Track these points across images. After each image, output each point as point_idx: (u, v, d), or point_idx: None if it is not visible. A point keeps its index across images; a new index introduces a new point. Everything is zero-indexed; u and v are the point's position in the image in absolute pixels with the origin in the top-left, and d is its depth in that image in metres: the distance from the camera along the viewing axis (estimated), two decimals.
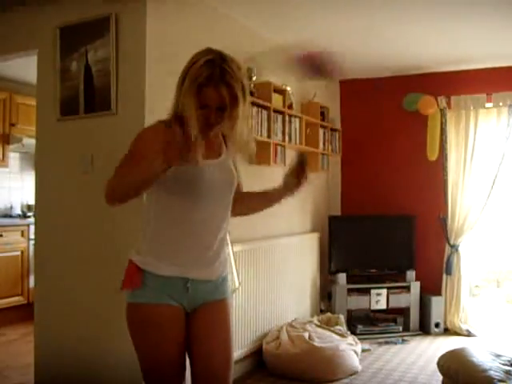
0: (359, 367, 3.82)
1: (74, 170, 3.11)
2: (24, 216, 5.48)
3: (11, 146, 5.32)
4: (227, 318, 1.88)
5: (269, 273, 4.01)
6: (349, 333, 4.19)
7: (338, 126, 5.43)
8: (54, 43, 3.15)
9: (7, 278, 4.86)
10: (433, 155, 5.08)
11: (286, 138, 4.12)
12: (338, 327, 4.19)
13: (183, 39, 3.12)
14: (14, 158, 5.55)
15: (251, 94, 3.68)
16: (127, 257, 1.86)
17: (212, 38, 3.27)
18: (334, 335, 3.96)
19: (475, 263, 5.13)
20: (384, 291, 4.80)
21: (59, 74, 3.13)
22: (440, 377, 3.08)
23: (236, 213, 1.97)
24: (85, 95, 3.05)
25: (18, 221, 5.27)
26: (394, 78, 5.31)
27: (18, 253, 5.00)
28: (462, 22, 3.76)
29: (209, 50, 1.72)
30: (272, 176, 4.17)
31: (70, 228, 3.14)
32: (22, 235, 5.06)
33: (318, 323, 4.22)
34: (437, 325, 4.84)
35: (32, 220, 4.86)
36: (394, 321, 4.87)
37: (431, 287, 5.00)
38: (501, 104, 4.85)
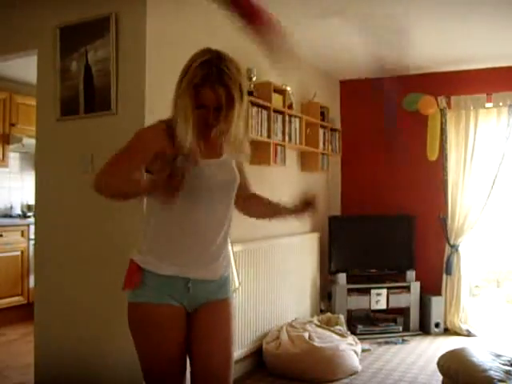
0: (359, 367, 3.82)
1: (74, 170, 3.11)
2: (24, 216, 5.48)
3: (11, 146, 5.32)
4: (229, 318, 1.88)
5: (269, 273, 4.01)
6: (349, 333, 4.19)
7: (338, 126, 5.44)
8: (54, 43, 3.15)
9: (7, 277, 4.86)
10: (433, 155, 5.08)
11: (286, 138, 4.12)
12: (338, 327, 4.19)
13: (183, 39, 3.12)
14: (13, 157, 5.55)
15: (251, 93, 3.68)
16: (127, 256, 1.86)
17: (212, 37, 3.27)
18: (333, 335, 3.96)
19: (475, 263, 5.13)
20: (384, 291, 4.80)
21: (59, 73, 3.13)
22: (440, 377, 3.08)
23: (240, 210, 2.02)
24: (85, 95, 3.05)
25: (18, 221, 5.27)
26: (393, 78, 5.31)
27: (18, 253, 5.00)
28: (462, 22, 3.76)
29: (207, 50, 1.72)
30: (272, 176, 4.19)
31: (69, 228, 3.14)
32: (22, 235, 5.06)
33: (318, 323, 4.22)
34: (437, 325, 4.84)
35: (32, 220, 4.86)
36: (394, 321, 4.87)
37: (431, 287, 5.00)
38: (501, 104, 4.85)
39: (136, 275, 1.76)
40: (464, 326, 4.85)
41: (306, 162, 4.78)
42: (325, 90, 5.25)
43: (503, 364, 2.83)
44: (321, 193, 5.22)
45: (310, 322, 4.19)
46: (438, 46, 4.36)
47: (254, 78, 3.76)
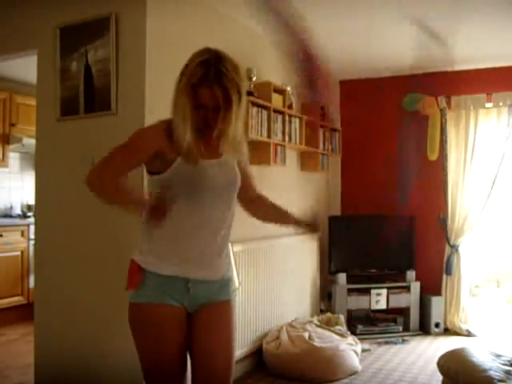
0: (359, 367, 3.82)
1: (74, 170, 3.10)
2: (24, 216, 5.48)
3: (11, 146, 5.32)
4: (230, 319, 1.87)
5: (269, 273, 4.01)
6: (349, 333, 4.19)
7: (338, 126, 5.43)
8: (54, 43, 3.15)
9: (7, 277, 4.86)
10: (433, 155, 5.08)
11: (286, 138, 4.12)
12: (338, 327, 4.19)
13: (183, 39, 3.12)
14: (14, 157, 5.55)
15: (251, 94, 3.67)
16: (128, 256, 1.86)
17: (212, 37, 3.27)
18: (333, 335, 3.96)
19: (475, 263, 5.13)
20: (384, 291, 4.80)
21: (59, 74, 3.13)
22: (440, 377, 3.08)
23: (246, 210, 2.03)
24: (85, 95, 3.05)
25: (18, 221, 5.27)
26: (394, 78, 5.32)
27: (18, 253, 5.00)
28: (462, 22, 3.76)
29: (206, 50, 1.71)
30: (272, 176, 4.19)
31: (70, 228, 3.14)
32: (22, 235, 5.06)
33: (318, 323, 4.22)
34: (437, 325, 4.84)
35: (32, 220, 4.87)
36: (394, 321, 4.87)
37: (431, 287, 5.00)
38: (501, 104, 4.85)
39: (137, 275, 1.76)
40: (464, 326, 4.85)
41: (306, 161, 4.78)
42: (324, 90, 5.24)
43: (503, 364, 2.83)
44: (321, 193, 5.22)
45: (310, 321, 4.19)
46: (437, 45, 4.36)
47: (254, 78, 3.76)
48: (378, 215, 5.18)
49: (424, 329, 4.86)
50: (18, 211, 5.62)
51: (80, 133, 3.11)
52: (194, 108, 1.68)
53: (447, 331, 4.89)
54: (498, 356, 2.96)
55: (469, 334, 4.78)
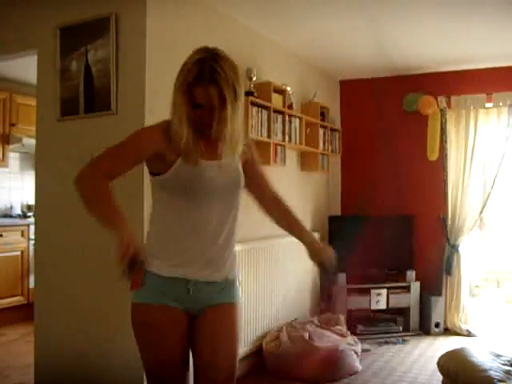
0: (359, 367, 3.82)
1: (74, 170, 3.09)
2: (24, 216, 5.48)
3: (11, 146, 5.32)
4: (234, 322, 1.83)
5: (269, 273, 4.02)
6: (349, 333, 4.19)
7: (338, 126, 5.44)
8: (54, 43, 3.15)
9: (7, 277, 4.86)
10: (433, 155, 5.08)
11: (286, 138, 4.12)
12: (338, 327, 4.19)
13: (183, 39, 3.12)
14: (14, 157, 5.55)
15: (251, 94, 3.68)
16: None
17: (212, 37, 3.27)
18: (334, 335, 3.96)
19: (475, 263, 5.13)
20: (384, 291, 4.80)
21: (59, 74, 3.13)
22: (440, 377, 3.07)
23: (262, 210, 2.01)
24: (85, 95, 3.05)
25: (18, 221, 5.27)
26: (393, 77, 5.32)
27: (18, 253, 5.00)
28: (462, 22, 3.76)
29: (203, 49, 1.70)
30: (272, 176, 4.18)
31: (70, 228, 3.14)
32: (22, 235, 5.06)
33: (318, 323, 4.22)
34: (437, 325, 4.84)
35: (32, 220, 4.87)
36: (394, 321, 4.87)
37: (431, 287, 5.00)
38: (501, 104, 4.85)
39: (138, 276, 1.75)
40: (464, 326, 4.85)
41: (306, 161, 4.78)
42: (325, 90, 5.25)
43: (503, 364, 2.83)
44: (321, 193, 5.22)
45: (310, 321, 4.19)
46: (437, 45, 4.36)
47: (254, 78, 3.76)
48: (378, 215, 5.18)
49: (424, 329, 4.86)
50: (18, 211, 5.62)
51: (80, 133, 3.11)
52: (190, 107, 1.67)
53: (447, 331, 4.89)
54: (498, 356, 2.95)
55: (469, 334, 4.78)
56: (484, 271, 5.32)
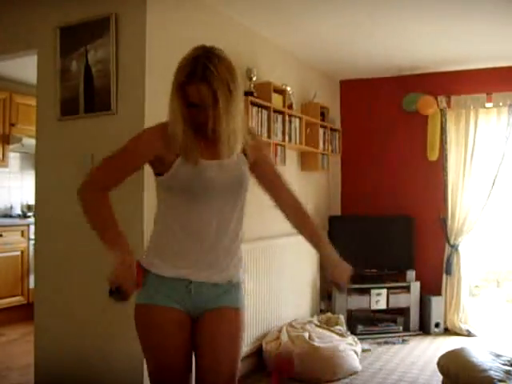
0: (359, 367, 3.82)
1: (74, 170, 3.10)
2: (24, 216, 5.48)
3: (11, 146, 5.32)
4: (234, 328, 1.79)
5: (269, 273, 4.01)
6: (349, 333, 4.19)
7: (338, 126, 5.44)
8: (54, 43, 3.15)
9: (7, 277, 4.86)
10: (433, 155, 5.08)
11: (286, 138, 4.12)
12: (338, 327, 4.19)
13: (183, 39, 3.12)
14: (14, 157, 5.55)
15: (251, 94, 3.68)
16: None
17: (212, 38, 3.25)
18: (333, 335, 3.96)
19: (475, 263, 5.13)
20: (384, 291, 4.80)
21: (59, 74, 3.13)
22: (440, 377, 3.07)
23: (280, 211, 1.95)
24: (85, 95, 3.05)
25: (17, 221, 5.27)
26: (393, 78, 5.32)
27: (18, 253, 5.00)
28: (462, 20, 3.75)
29: (199, 48, 1.68)
30: None
31: (69, 228, 3.14)
32: (22, 235, 5.06)
33: (318, 323, 4.22)
34: (437, 325, 4.84)
35: (32, 220, 4.87)
36: (394, 321, 4.87)
37: (431, 287, 5.01)
38: (501, 104, 4.85)
39: (140, 276, 1.74)
40: (464, 326, 4.85)
41: (306, 161, 4.78)
42: (325, 90, 5.25)
43: (503, 364, 2.83)
44: (321, 193, 5.22)
45: (310, 322, 4.19)
46: (438, 45, 4.36)
47: (254, 78, 3.76)
48: (378, 215, 5.18)
49: (424, 329, 4.86)
50: (18, 211, 5.62)
51: (80, 133, 3.11)
52: (185, 106, 1.65)
53: (447, 331, 4.89)
54: (498, 356, 2.95)
55: (469, 334, 4.78)
56: (484, 271, 5.32)
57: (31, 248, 4.95)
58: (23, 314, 4.78)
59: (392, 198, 5.25)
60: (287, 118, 4.14)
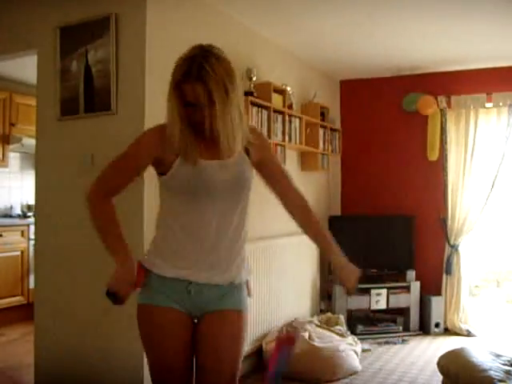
0: (359, 367, 3.82)
1: (74, 170, 3.11)
2: (24, 216, 5.48)
3: (11, 146, 5.32)
4: (234, 331, 1.77)
5: (269, 273, 4.01)
6: (349, 333, 4.19)
7: (338, 126, 5.44)
8: (54, 43, 3.15)
9: (7, 278, 4.86)
10: (433, 155, 5.08)
11: (286, 138, 4.12)
12: (338, 327, 4.19)
13: (183, 39, 3.11)
14: (14, 157, 5.55)
15: (251, 94, 3.68)
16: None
17: (212, 37, 3.25)
18: (333, 335, 3.96)
19: (475, 263, 5.13)
20: (384, 291, 4.80)
21: (59, 74, 3.13)
22: (440, 377, 3.08)
23: (287, 212, 1.94)
24: (85, 95, 3.05)
25: (17, 221, 5.27)
26: (393, 78, 5.32)
27: (18, 253, 5.00)
28: (462, 20, 3.75)
29: (196, 47, 1.67)
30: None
31: (70, 228, 3.14)
32: (22, 235, 5.06)
33: (318, 323, 4.22)
34: (437, 325, 4.84)
35: (32, 220, 4.87)
36: (394, 321, 4.87)
37: (431, 287, 5.01)
38: (501, 104, 4.86)
39: (141, 276, 1.75)
40: (464, 326, 4.85)
41: (306, 161, 4.78)
42: (325, 90, 5.25)
43: (503, 364, 2.83)
44: (321, 193, 5.22)
45: (310, 322, 4.19)
46: (437, 45, 4.36)
47: (254, 78, 3.76)
48: (378, 215, 5.19)
49: (424, 329, 4.86)
50: (18, 211, 5.62)
51: (80, 133, 3.11)
52: (181, 105, 1.64)
53: (447, 331, 4.89)
54: (498, 356, 2.96)
55: (469, 334, 4.78)
56: (484, 271, 5.32)
57: (31, 248, 4.95)
58: (23, 313, 4.78)
59: (392, 198, 5.25)
60: (287, 117, 4.14)
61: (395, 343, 4.54)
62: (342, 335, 4.00)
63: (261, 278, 3.89)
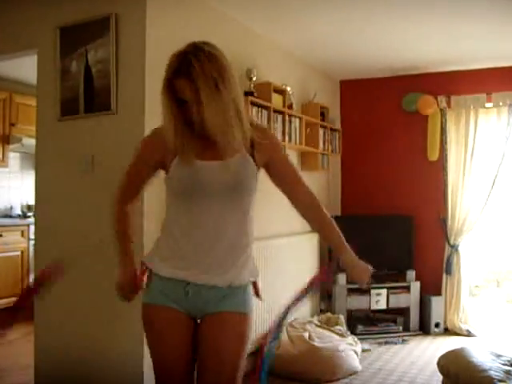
0: (359, 367, 3.82)
1: (74, 170, 3.11)
2: (24, 216, 5.48)
3: (11, 146, 5.32)
4: (235, 334, 1.73)
5: (269, 273, 4.01)
6: (349, 333, 4.19)
7: (338, 126, 5.44)
8: (54, 43, 3.15)
9: (7, 278, 4.86)
10: (433, 155, 5.08)
11: (286, 138, 4.12)
12: (338, 327, 4.19)
13: (183, 39, 3.11)
14: (14, 157, 5.55)
15: (251, 94, 3.68)
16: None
17: (212, 37, 3.25)
18: (333, 335, 3.96)
19: (475, 263, 5.13)
20: (384, 291, 4.80)
21: (59, 74, 3.13)
22: (440, 377, 3.08)
23: (300, 215, 1.91)
24: (85, 95, 3.05)
25: (17, 221, 5.27)
26: (393, 78, 5.32)
27: (18, 253, 5.00)
28: (462, 20, 3.75)
29: (190, 44, 1.67)
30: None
31: (70, 228, 3.14)
32: (22, 235, 5.06)
33: (318, 323, 4.22)
34: (437, 325, 4.84)
35: (32, 220, 4.87)
36: (394, 321, 4.87)
37: (431, 287, 5.01)
38: (501, 104, 4.86)
39: (143, 276, 1.78)
40: (464, 326, 4.85)
41: (306, 161, 4.78)
42: (325, 90, 5.25)
43: (503, 364, 2.83)
44: (321, 193, 5.22)
45: (310, 322, 4.19)
46: (437, 45, 4.36)
47: (254, 78, 3.76)
48: (378, 215, 5.18)
49: (424, 329, 4.86)
50: (17, 211, 5.62)
51: (80, 133, 3.11)
52: (174, 104, 1.63)
53: (447, 331, 4.89)
54: (498, 356, 2.96)
55: (469, 334, 4.78)
56: (484, 271, 5.32)
57: (31, 248, 4.95)
58: (23, 314, 4.77)
59: (392, 198, 5.25)
60: (287, 118, 4.14)
61: (395, 343, 4.54)
62: (341, 335, 4.00)
63: (261, 277, 3.87)
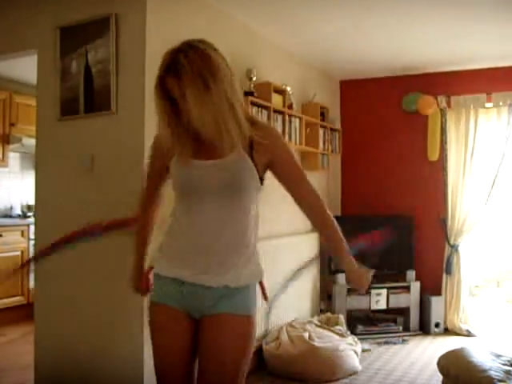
0: (359, 367, 3.82)
1: (74, 170, 3.11)
2: (24, 216, 5.48)
3: (11, 146, 5.32)
4: (234, 336, 1.70)
5: (268, 273, 4.00)
6: (349, 333, 4.19)
7: (338, 126, 5.44)
8: (54, 43, 3.15)
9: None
10: (433, 155, 5.08)
11: (286, 138, 4.12)
12: (338, 327, 4.19)
13: (183, 39, 3.11)
14: (14, 157, 5.55)
15: (251, 94, 3.68)
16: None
17: (212, 37, 3.25)
18: (333, 335, 3.96)
19: (475, 263, 5.13)
20: (384, 291, 4.80)
21: (59, 73, 3.13)
22: (440, 377, 3.08)
23: (304, 215, 1.92)
24: (85, 95, 3.05)
25: (17, 221, 5.27)
26: (393, 78, 5.32)
27: (18, 253, 5.00)
28: (462, 20, 3.75)
29: (183, 42, 1.64)
30: (272, 176, 4.18)
31: (70, 228, 3.13)
32: (22, 235, 5.06)
33: (318, 323, 4.22)
34: (437, 325, 4.84)
35: (32, 220, 4.86)
36: (394, 321, 4.87)
37: (431, 287, 5.01)
38: (501, 104, 4.86)
39: (148, 274, 1.83)
40: (464, 326, 4.85)
41: (306, 161, 4.77)
42: (325, 90, 5.25)
43: (503, 364, 2.83)
44: (321, 193, 5.21)
45: (310, 321, 4.19)
46: (437, 45, 4.36)
47: (254, 78, 3.76)
48: (378, 215, 5.18)
49: (424, 329, 4.86)
50: (18, 211, 5.62)
51: (80, 133, 3.11)
52: (167, 102, 1.62)
53: (447, 331, 4.89)
54: (498, 356, 2.95)
55: (469, 334, 4.78)
56: (484, 271, 5.32)
57: (31, 248, 4.95)
58: (23, 313, 4.78)
59: (392, 197, 5.25)
60: (287, 118, 4.14)
61: (395, 343, 4.54)
62: (341, 335, 4.00)
63: None
